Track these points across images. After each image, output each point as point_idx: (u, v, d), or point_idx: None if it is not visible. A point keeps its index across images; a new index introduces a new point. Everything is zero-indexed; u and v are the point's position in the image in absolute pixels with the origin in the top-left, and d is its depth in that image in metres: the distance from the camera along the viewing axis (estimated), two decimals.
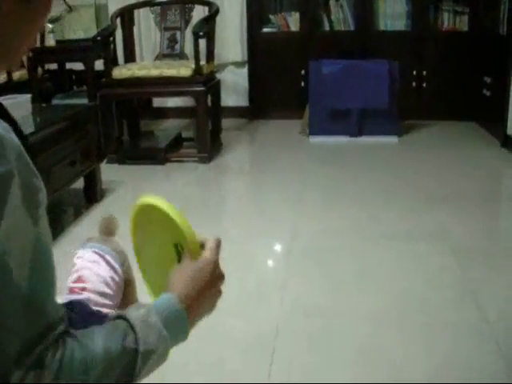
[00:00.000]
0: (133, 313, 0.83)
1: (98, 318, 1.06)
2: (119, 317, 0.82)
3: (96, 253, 1.51)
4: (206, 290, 0.92)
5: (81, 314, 1.07)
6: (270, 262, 3.00)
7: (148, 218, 1.00)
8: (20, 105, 3.31)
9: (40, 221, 0.73)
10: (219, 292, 0.96)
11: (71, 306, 1.11)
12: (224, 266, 0.96)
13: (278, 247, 3.13)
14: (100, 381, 0.75)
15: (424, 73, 5.44)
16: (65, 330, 0.74)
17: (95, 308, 1.35)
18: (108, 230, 1.69)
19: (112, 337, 0.78)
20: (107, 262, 1.49)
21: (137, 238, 1.06)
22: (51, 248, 0.76)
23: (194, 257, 0.93)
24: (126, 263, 1.56)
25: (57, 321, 0.73)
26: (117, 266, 1.51)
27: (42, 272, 0.73)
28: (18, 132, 0.77)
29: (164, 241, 0.99)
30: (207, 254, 0.94)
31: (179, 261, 0.95)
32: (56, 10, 4.92)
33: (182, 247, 0.96)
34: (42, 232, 0.73)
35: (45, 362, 0.70)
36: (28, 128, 3.06)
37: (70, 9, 4.98)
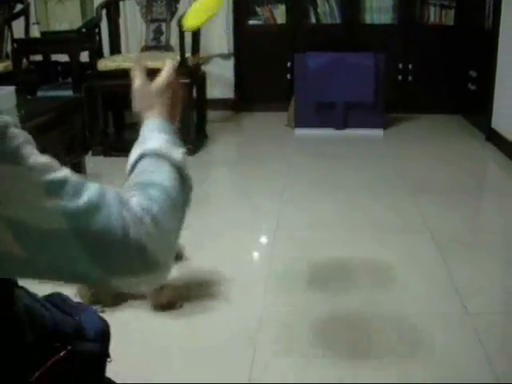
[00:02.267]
0: (147, 145, 0.91)
1: (80, 312, 1.05)
2: (141, 156, 0.90)
3: None
4: (172, 101, 1.10)
5: (60, 308, 1.05)
6: (255, 253, 3.01)
7: None
8: (4, 97, 3.29)
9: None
10: (180, 99, 1.14)
11: (50, 298, 1.09)
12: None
13: (262, 238, 3.14)
14: (180, 205, 0.86)
15: (410, 66, 5.47)
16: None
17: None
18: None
19: (156, 168, 0.87)
20: None
21: None
22: None
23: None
24: None
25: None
26: None
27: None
28: None
29: None
30: (163, 74, 1.12)
31: None
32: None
33: None
34: None
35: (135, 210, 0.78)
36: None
37: None
